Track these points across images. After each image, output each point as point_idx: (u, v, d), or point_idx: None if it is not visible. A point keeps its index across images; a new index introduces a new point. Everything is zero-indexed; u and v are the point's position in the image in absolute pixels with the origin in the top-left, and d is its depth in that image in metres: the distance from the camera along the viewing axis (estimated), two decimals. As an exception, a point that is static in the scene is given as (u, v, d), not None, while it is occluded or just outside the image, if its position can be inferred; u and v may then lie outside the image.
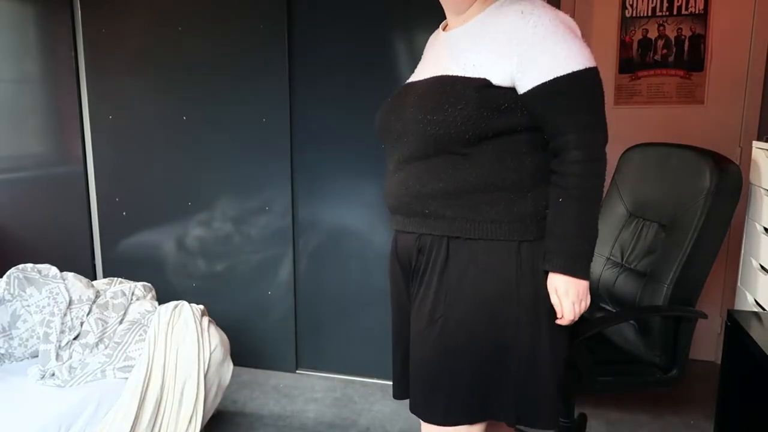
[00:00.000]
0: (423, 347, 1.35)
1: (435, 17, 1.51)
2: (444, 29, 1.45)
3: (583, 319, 2.04)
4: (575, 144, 1.23)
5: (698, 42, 2.69)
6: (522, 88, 1.24)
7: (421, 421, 1.38)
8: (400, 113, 1.34)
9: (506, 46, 1.24)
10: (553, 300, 1.28)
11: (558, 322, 1.29)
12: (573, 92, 1.22)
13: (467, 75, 1.26)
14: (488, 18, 1.31)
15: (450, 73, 1.29)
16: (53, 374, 1.88)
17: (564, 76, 1.20)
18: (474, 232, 1.29)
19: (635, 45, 2.76)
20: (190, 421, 1.91)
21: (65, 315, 2.01)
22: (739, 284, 2.02)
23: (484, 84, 1.24)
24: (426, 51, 1.50)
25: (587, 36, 2.79)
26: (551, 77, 1.20)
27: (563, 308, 1.27)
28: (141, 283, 2.26)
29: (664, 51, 2.73)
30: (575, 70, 1.20)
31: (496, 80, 1.24)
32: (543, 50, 1.21)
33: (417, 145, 1.31)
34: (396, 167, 1.37)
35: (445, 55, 1.35)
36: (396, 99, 1.40)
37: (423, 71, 1.40)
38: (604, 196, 2.06)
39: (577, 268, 1.26)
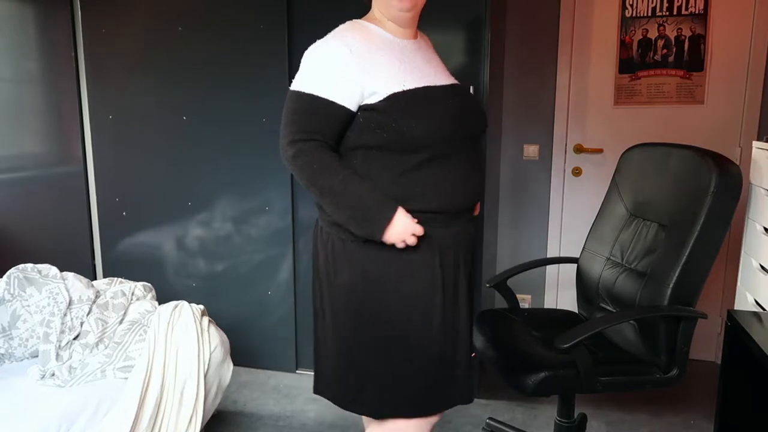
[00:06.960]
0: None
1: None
2: (389, 35, 1.46)
3: (583, 319, 2.04)
4: None
5: (698, 42, 2.69)
6: None
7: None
8: (477, 115, 1.51)
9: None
10: None
11: None
12: None
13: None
14: (423, 39, 1.53)
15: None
16: (53, 374, 1.87)
17: None
18: None
19: (635, 45, 2.76)
20: (190, 421, 1.91)
21: (65, 315, 2.01)
22: (739, 284, 2.02)
23: None
24: (399, 55, 1.43)
25: (587, 36, 2.79)
26: None
27: None
28: (141, 283, 2.26)
29: (664, 51, 2.73)
30: None
31: None
32: None
33: (481, 146, 1.57)
34: (471, 165, 1.48)
35: (437, 65, 1.51)
36: (456, 101, 1.46)
37: (437, 76, 1.47)
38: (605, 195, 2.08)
39: None
